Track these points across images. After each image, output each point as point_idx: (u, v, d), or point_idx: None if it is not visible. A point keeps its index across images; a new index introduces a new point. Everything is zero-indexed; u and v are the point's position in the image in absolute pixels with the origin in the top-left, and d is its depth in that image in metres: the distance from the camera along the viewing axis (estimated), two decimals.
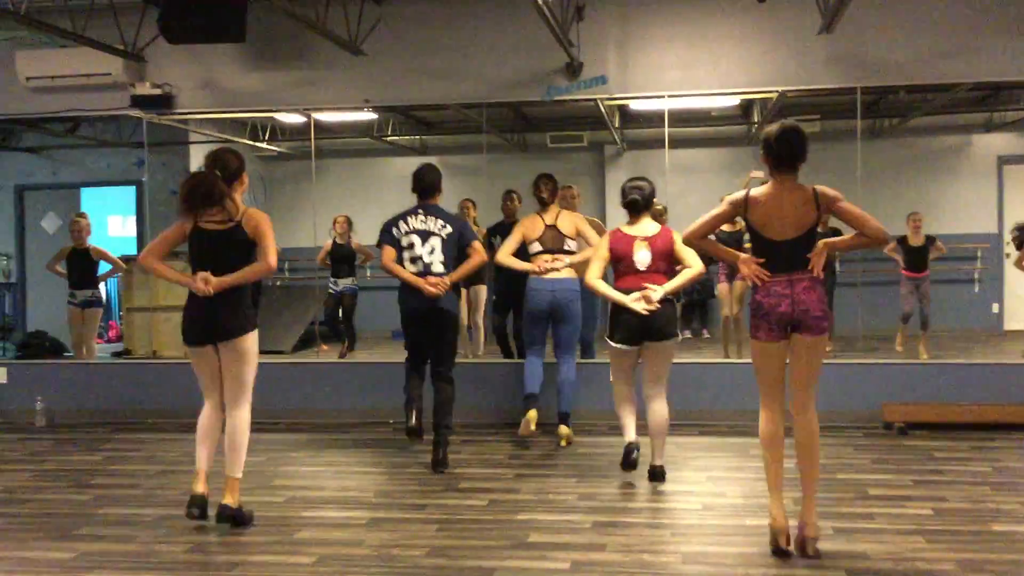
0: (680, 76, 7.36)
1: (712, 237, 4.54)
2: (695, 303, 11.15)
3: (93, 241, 8.92)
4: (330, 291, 9.87)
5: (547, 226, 6.45)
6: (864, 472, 5.61)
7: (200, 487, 4.63)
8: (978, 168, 11.59)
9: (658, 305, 5.21)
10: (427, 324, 5.89)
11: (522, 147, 11.88)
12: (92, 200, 11.98)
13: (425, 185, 5.99)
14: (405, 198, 6.09)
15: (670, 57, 7.37)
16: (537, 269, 6.37)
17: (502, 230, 7.76)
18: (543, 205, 6.52)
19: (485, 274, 8.55)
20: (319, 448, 6.61)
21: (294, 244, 10.60)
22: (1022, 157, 11.44)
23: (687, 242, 4.49)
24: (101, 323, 11.07)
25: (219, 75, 7.87)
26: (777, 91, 7.60)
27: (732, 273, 8.69)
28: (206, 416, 4.78)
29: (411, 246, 5.87)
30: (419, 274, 5.81)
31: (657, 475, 5.36)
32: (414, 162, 6.13)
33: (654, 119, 8.58)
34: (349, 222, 9.85)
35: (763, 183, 4.25)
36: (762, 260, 4.14)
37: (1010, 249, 10.39)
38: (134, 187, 11.32)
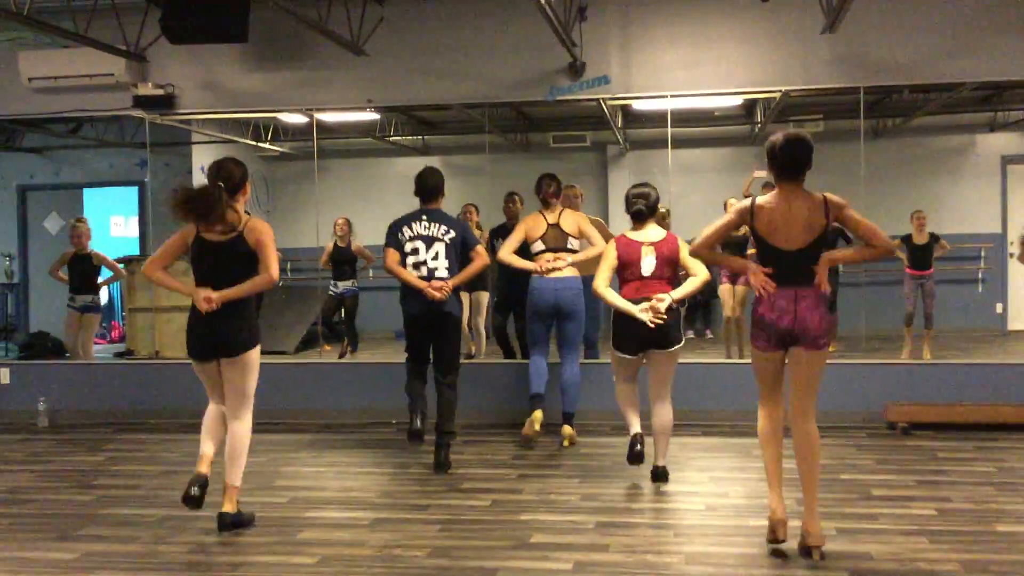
0: (683, 76, 7.34)
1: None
2: (698, 304, 11.14)
3: (95, 241, 8.92)
4: (331, 293, 9.87)
5: (550, 225, 6.45)
6: (867, 472, 5.60)
7: (203, 468, 4.67)
8: (982, 168, 11.58)
9: (665, 317, 5.19)
10: (430, 328, 5.88)
11: (524, 147, 11.88)
12: (94, 200, 11.99)
13: (428, 189, 5.97)
14: (407, 198, 6.08)
15: (673, 57, 7.36)
16: (539, 268, 6.36)
17: (504, 232, 7.74)
18: (546, 205, 6.52)
19: (487, 279, 8.54)
20: (321, 448, 6.61)
21: (296, 245, 10.62)
22: None
23: (695, 255, 4.48)
24: (103, 324, 11.11)
25: (221, 75, 7.87)
26: (780, 91, 7.59)
27: (735, 274, 8.67)
28: (211, 413, 4.82)
29: (415, 251, 5.85)
30: (423, 279, 5.81)
31: (660, 476, 5.34)
32: (416, 162, 6.13)
33: (657, 119, 8.57)
34: (349, 224, 9.86)
35: (766, 183, 4.25)
36: (770, 270, 4.12)
37: (1014, 249, 10.39)
38: (136, 187, 11.36)
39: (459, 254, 5.91)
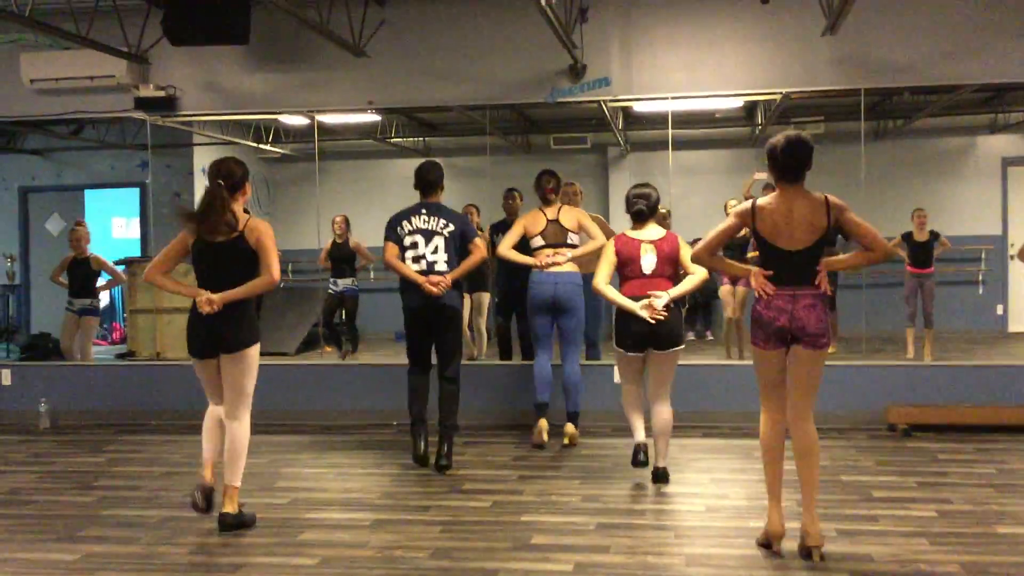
0: (684, 78, 7.35)
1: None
2: (698, 304, 11.15)
3: (96, 243, 8.91)
4: (330, 292, 9.87)
5: (549, 221, 6.45)
6: (868, 474, 5.60)
7: (207, 475, 4.69)
8: (982, 170, 11.58)
9: (665, 313, 5.20)
10: (430, 321, 5.89)
11: (525, 149, 11.88)
12: (96, 202, 12.00)
13: (427, 182, 5.99)
14: (408, 200, 6.08)
15: (673, 59, 7.37)
16: (539, 263, 6.37)
17: (504, 227, 7.73)
18: (545, 201, 6.52)
19: (488, 279, 8.54)
20: (322, 450, 6.61)
21: (297, 246, 10.62)
22: None
23: (696, 260, 4.50)
24: (104, 326, 11.11)
25: (223, 77, 7.88)
26: (781, 93, 7.59)
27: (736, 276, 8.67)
28: (210, 416, 4.83)
29: (414, 245, 5.87)
30: (422, 273, 5.81)
31: (661, 477, 5.36)
32: (417, 164, 6.12)
33: (657, 121, 8.57)
34: (347, 222, 9.86)
35: (766, 184, 4.25)
36: (770, 273, 4.13)
37: (1014, 251, 10.39)
38: (138, 189, 11.35)
39: (459, 247, 5.92)
